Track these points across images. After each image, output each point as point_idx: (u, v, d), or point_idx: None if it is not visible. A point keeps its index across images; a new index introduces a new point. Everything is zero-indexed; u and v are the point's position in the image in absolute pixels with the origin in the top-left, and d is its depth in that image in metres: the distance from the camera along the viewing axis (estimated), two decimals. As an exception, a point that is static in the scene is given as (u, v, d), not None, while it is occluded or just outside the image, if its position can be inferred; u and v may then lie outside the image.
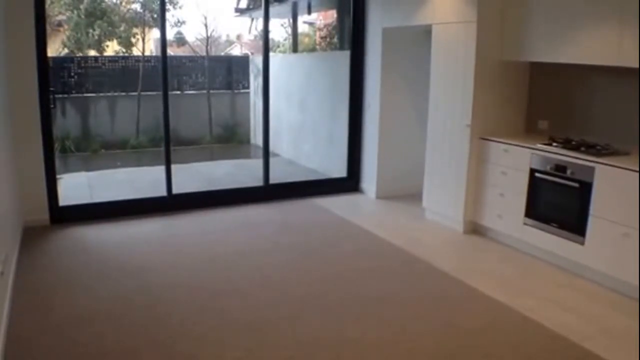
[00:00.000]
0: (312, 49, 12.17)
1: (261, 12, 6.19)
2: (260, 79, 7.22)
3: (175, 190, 5.69)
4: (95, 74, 10.63)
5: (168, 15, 11.21)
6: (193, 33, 14.78)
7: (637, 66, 3.60)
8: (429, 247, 4.72)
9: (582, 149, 4.12)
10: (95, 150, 10.45)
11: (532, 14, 4.42)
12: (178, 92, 11.17)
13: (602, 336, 3.24)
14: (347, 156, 6.49)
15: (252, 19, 11.92)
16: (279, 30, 12.86)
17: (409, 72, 5.97)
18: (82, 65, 10.56)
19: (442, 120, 5.13)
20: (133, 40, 11.21)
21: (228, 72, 11.98)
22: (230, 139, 11.69)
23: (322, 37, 11.86)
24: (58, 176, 5.28)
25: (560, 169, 4.14)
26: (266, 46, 6.19)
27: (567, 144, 4.27)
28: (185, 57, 12.24)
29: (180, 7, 11.66)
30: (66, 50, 10.93)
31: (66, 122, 10.28)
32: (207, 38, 11.95)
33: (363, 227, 5.22)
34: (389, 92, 5.97)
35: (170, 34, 12.09)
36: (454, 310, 3.58)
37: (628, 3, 3.65)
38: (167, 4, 11.01)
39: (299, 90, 8.81)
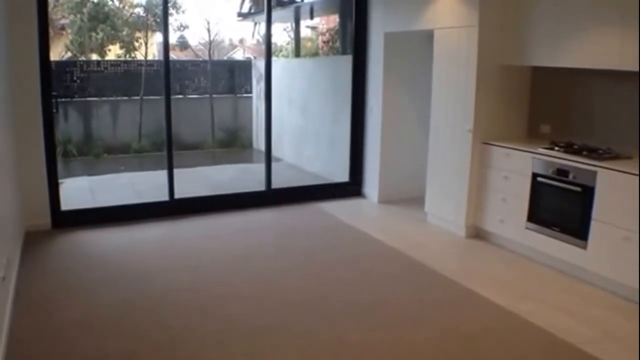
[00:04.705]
0: (315, 54, 12.18)
1: (264, 16, 6.21)
2: (262, 84, 7.22)
3: (178, 194, 5.69)
4: (98, 78, 10.64)
5: (171, 19, 11.22)
6: (196, 37, 14.86)
7: (639, 70, 3.60)
8: (430, 252, 4.71)
9: (584, 153, 4.11)
10: (97, 155, 10.45)
11: (533, 18, 4.42)
12: (180, 96, 11.16)
13: (603, 340, 3.24)
14: (349, 160, 6.49)
15: (255, 24, 11.94)
16: (281, 34, 12.89)
17: (411, 77, 5.98)
18: (85, 69, 10.56)
19: (444, 125, 5.13)
20: (136, 44, 11.25)
21: (230, 76, 11.99)
22: (232, 144, 11.68)
23: (324, 42, 11.87)
24: (60, 180, 5.29)
25: (562, 173, 4.14)
26: (269, 50, 6.20)
27: (569, 148, 4.27)
28: (188, 61, 12.26)
29: (183, 12, 11.69)
30: (69, 54, 10.97)
31: (68, 126, 10.28)
32: (210, 42, 11.96)
33: (365, 231, 5.21)
34: (391, 96, 5.98)
35: (173, 38, 12.09)
36: (456, 315, 3.57)
37: (629, 7, 3.65)
38: (170, 9, 11.03)
39: (302, 94, 8.81)
